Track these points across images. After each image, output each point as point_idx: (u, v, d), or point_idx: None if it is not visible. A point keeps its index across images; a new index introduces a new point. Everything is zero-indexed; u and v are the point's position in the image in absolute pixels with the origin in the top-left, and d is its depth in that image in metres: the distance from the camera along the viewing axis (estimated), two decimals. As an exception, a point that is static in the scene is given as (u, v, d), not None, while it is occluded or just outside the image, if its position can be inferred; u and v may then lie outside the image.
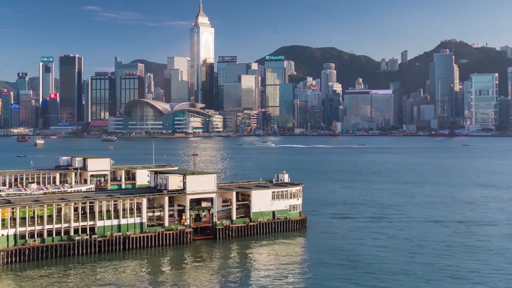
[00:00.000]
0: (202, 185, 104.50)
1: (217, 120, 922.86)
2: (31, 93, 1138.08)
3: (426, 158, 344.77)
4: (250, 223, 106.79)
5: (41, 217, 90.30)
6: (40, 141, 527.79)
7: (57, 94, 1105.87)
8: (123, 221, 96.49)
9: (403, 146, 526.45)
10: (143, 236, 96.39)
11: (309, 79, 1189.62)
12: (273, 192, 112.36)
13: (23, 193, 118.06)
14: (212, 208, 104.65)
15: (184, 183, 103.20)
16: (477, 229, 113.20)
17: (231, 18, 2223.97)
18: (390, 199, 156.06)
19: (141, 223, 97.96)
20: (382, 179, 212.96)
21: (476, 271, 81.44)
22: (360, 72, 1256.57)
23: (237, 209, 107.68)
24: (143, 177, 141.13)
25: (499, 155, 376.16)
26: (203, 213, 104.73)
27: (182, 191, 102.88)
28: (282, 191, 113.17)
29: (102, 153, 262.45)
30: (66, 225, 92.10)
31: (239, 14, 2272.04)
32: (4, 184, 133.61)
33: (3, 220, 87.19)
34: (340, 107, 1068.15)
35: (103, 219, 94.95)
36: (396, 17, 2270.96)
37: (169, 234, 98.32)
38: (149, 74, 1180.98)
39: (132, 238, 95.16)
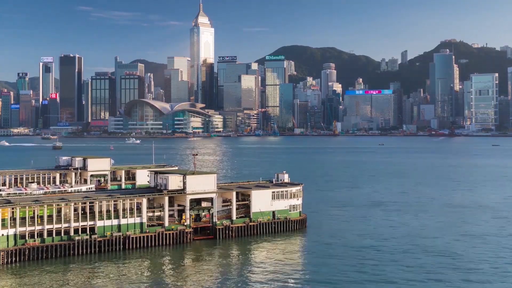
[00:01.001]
0: (202, 185, 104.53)
1: (217, 120, 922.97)
2: (31, 93, 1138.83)
3: (469, 159, 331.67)
4: (250, 223, 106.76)
5: (41, 217, 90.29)
6: (59, 144, 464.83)
7: (57, 94, 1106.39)
8: (123, 221, 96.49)
9: (424, 146, 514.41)
10: (143, 236, 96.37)
11: (309, 79, 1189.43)
12: (273, 192, 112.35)
13: (23, 193, 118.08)
14: (212, 208, 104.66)
15: (184, 183, 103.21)
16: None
17: (231, 18, 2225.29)
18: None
19: (141, 223, 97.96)
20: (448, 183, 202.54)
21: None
22: (360, 72, 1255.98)
23: (237, 209, 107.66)
24: (143, 177, 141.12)
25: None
26: (203, 213, 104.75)
27: (182, 191, 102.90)
28: (282, 191, 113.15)
29: (102, 153, 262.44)
30: (66, 225, 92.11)
31: (239, 14, 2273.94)
32: (4, 184, 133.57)
33: (3, 220, 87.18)
34: (340, 107, 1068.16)
35: (103, 219, 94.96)
36: (396, 17, 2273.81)
37: (169, 234, 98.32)
38: (149, 74, 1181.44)
39: (132, 238, 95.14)
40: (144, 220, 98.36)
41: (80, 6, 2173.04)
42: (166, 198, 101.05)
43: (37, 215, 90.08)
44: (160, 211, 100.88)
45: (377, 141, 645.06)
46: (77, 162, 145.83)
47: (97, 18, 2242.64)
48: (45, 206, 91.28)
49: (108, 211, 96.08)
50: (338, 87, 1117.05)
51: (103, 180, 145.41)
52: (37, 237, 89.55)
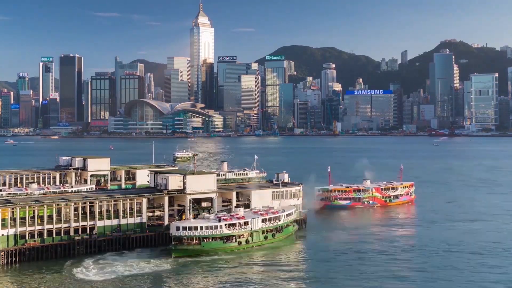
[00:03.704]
0: (202, 185, 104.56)
1: (217, 120, 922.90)
2: (31, 93, 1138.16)
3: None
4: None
5: (41, 217, 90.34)
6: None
7: (57, 94, 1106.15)
8: (123, 221, 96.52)
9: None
10: (143, 236, 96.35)
11: (309, 79, 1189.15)
12: (273, 192, 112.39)
13: (23, 193, 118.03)
14: (212, 208, 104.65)
15: (184, 183, 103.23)
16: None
17: (231, 18, 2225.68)
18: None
19: (141, 223, 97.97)
20: None
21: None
22: (360, 72, 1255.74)
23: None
24: (143, 177, 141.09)
25: None
26: (203, 213, 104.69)
27: (182, 191, 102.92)
28: (282, 191, 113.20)
29: (102, 153, 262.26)
30: (66, 225, 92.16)
31: (239, 14, 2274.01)
32: (4, 184, 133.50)
33: (3, 220, 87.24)
34: (340, 107, 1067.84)
35: (103, 219, 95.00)
36: (396, 17, 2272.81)
37: (169, 234, 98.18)
38: (149, 74, 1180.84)
39: (132, 238, 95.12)
40: (144, 220, 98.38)
41: (80, 6, 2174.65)
42: (166, 198, 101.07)
43: (37, 215, 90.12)
44: (160, 211, 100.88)
45: (376, 141, 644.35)
46: (77, 162, 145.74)
47: (97, 18, 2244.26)
48: (45, 206, 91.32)
49: (108, 211, 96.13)
50: (338, 87, 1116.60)
51: (102, 180, 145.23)
52: (37, 237, 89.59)
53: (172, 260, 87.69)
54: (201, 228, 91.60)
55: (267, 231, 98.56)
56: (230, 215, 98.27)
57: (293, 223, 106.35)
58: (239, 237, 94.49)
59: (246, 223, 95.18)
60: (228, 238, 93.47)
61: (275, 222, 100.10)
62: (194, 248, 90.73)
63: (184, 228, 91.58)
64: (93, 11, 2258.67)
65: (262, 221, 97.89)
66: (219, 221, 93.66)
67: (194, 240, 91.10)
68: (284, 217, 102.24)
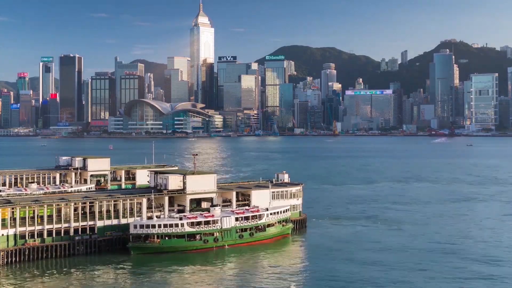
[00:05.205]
0: (202, 185, 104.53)
1: (217, 120, 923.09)
2: (31, 93, 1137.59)
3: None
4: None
5: (41, 217, 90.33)
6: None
7: (57, 94, 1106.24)
8: (123, 221, 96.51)
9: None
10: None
11: (309, 79, 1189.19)
12: (273, 192, 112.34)
13: (23, 193, 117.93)
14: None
15: (184, 183, 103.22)
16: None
17: (231, 18, 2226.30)
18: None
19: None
20: None
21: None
22: (360, 72, 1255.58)
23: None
24: (143, 177, 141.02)
25: None
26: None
27: (182, 191, 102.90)
28: (282, 191, 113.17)
29: (102, 153, 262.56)
30: (66, 225, 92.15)
31: (239, 14, 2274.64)
32: (4, 184, 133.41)
33: (3, 220, 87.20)
34: (340, 107, 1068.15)
35: (103, 219, 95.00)
36: (396, 17, 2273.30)
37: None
38: (149, 74, 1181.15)
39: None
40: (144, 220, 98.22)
41: (79, 6, 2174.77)
42: (166, 198, 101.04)
43: (37, 215, 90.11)
44: (160, 211, 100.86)
45: (378, 141, 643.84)
46: (77, 162, 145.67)
47: (97, 18, 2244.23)
48: (45, 206, 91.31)
49: (108, 211, 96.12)
50: (338, 87, 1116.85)
51: (102, 180, 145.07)
52: (37, 237, 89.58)
53: (131, 257, 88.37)
54: (160, 226, 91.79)
55: (243, 230, 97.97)
56: (200, 213, 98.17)
57: (285, 222, 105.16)
58: (206, 236, 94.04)
59: (214, 222, 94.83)
60: (191, 236, 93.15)
61: (254, 220, 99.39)
62: (153, 246, 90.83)
63: (142, 226, 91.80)
64: (93, 11, 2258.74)
65: (236, 219, 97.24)
66: (180, 219, 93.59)
67: (155, 238, 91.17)
68: (267, 216, 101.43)
